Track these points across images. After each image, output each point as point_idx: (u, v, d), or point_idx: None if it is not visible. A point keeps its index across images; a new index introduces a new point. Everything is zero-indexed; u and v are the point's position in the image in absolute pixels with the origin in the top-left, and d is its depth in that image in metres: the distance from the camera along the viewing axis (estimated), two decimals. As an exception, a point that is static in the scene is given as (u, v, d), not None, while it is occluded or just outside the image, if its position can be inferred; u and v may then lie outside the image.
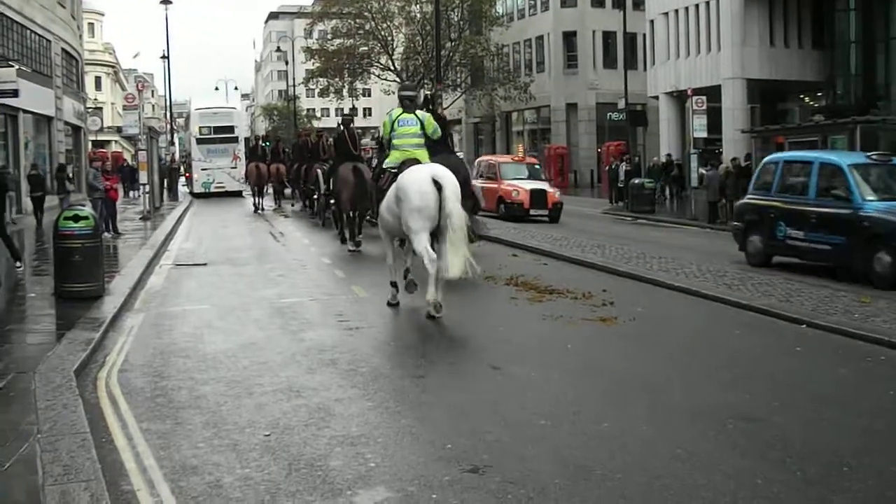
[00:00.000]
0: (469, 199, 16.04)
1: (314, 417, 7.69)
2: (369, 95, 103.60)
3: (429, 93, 17.86)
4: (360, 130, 22.21)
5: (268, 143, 41.66)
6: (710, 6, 41.77)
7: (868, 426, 7.42)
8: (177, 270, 17.45)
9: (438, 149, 15.54)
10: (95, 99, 73.42)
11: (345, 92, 61.52)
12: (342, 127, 21.63)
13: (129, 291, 14.03)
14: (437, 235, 11.63)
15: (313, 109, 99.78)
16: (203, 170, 44.93)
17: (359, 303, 13.58)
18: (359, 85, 64.05)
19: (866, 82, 39.34)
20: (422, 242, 11.58)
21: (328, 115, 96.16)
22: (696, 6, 42.52)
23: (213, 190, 44.36)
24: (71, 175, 25.33)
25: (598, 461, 6.56)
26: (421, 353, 10.10)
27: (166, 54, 61.12)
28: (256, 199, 35.28)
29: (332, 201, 22.96)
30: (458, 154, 22.21)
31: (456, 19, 56.36)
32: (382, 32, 56.41)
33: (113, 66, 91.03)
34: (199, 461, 6.66)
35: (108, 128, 70.92)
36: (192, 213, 34.73)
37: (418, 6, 55.86)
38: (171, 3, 54.33)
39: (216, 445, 7.03)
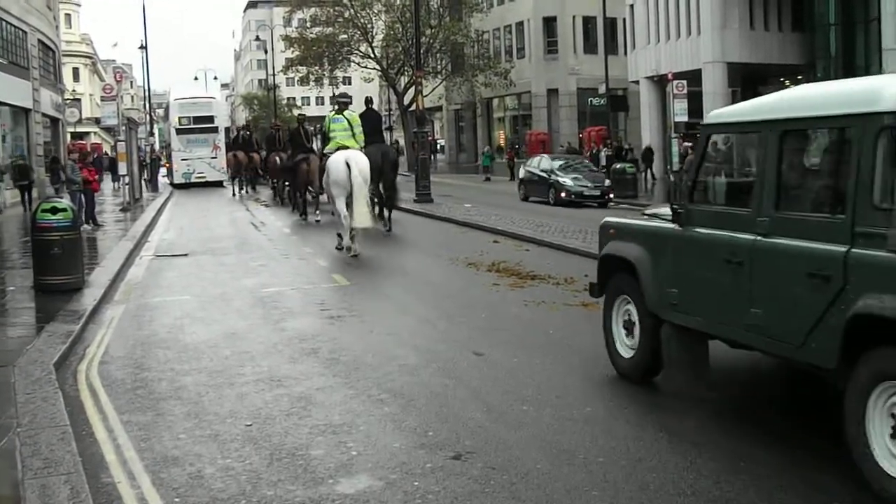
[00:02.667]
0: (392, 190, 21.26)
1: (296, 407, 7.66)
2: (350, 83, 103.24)
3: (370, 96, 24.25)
4: (312, 127, 26.67)
5: (246, 133, 42.30)
6: (690, -5, 41.78)
7: None
8: (157, 261, 17.37)
9: (374, 138, 20.45)
10: (73, 90, 72.96)
11: (325, 80, 61.28)
12: (297, 124, 27.56)
13: (109, 283, 13.94)
14: (348, 200, 16.41)
15: (294, 98, 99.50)
16: (183, 160, 44.74)
17: (340, 292, 13.55)
18: (339, 73, 63.72)
19: (846, 64, 39.43)
20: (339, 205, 16.76)
21: (308, 104, 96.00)
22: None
23: (193, 180, 44.20)
24: (64, 165, 25.20)
25: (581, 445, 6.56)
26: (403, 342, 10.08)
27: (144, 44, 60.77)
28: (235, 187, 38.68)
29: (287, 184, 29.43)
30: (397, 142, 26.75)
31: (436, 6, 56.22)
32: (362, 20, 56.20)
33: (91, 57, 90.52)
34: (180, 452, 6.62)
35: (87, 119, 70.57)
36: (172, 203, 34.60)
37: (397, -7, 55.72)
38: (148, -8, 53.97)
39: (197, 436, 6.99)
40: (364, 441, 6.75)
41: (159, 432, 7.10)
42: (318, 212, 24.28)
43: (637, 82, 47.28)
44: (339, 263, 16.32)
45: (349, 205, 16.40)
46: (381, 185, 20.86)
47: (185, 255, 18.17)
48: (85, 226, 21.39)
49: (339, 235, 17.43)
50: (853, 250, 5.60)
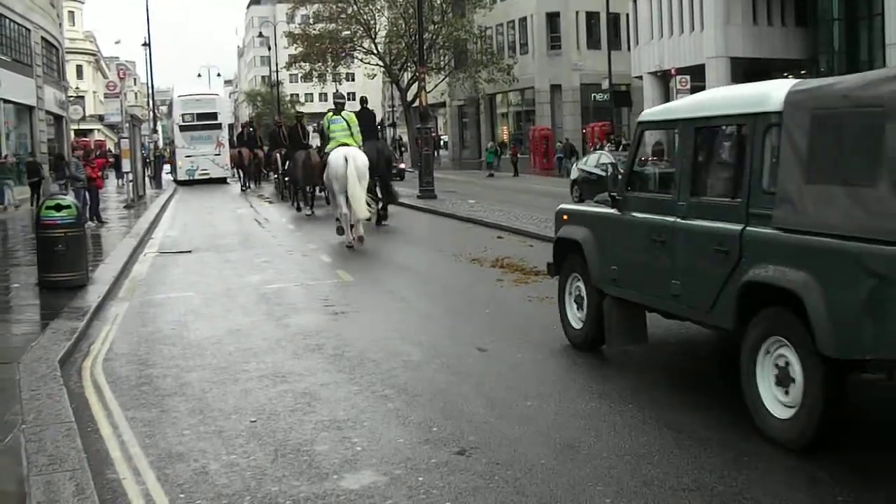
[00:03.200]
0: (388, 186, 22.15)
1: (300, 403, 7.68)
2: (353, 80, 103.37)
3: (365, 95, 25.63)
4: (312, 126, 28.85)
5: (251, 130, 42.76)
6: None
7: None
8: (161, 258, 17.39)
9: (369, 135, 21.04)
10: (77, 87, 73.04)
11: (328, 76, 61.25)
12: (295, 121, 29.62)
13: (114, 280, 13.97)
14: (346, 194, 17.49)
15: (297, 94, 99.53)
16: (187, 157, 44.76)
17: (344, 287, 13.56)
18: (342, 69, 63.70)
19: (850, 59, 39.39)
20: (340, 199, 18.02)
21: (312, 100, 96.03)
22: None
23: (197, 177, 44.22)
24: (68, 162, 25.30)
25: (585, 441, 6.56)
26: (407, 337, 10.09)
27: (148, 42, 60.76)
28: (242, 182, 40.62)
29: (287, 179, 30.25)
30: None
31: (439, 2, 56.15)
32: (365, 16, 56.18)
33: (94, 55, 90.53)
34: (184, 448, 6.64)
35: (91, 116, 70.57)
36: (176, 200, 34.62)
37: (401, -11, 55.62)
38: (151, -11, 53.98)
39: (202, 432, 7.01)
40: (368, 436, 6.76)
41: (164, 428, 7.11)
42: (312, 206, 25.87)
43: (640, 78, 47.28)
44: (342, 259, 16.34)
45: (347, 199, 17.49)
46: (377, 181, 21.35)
47: (189, 251, 18.18)
48: (89, 223, 21.42)
49: (339, 229, 18.57)
50: (747, 228, 6.64)
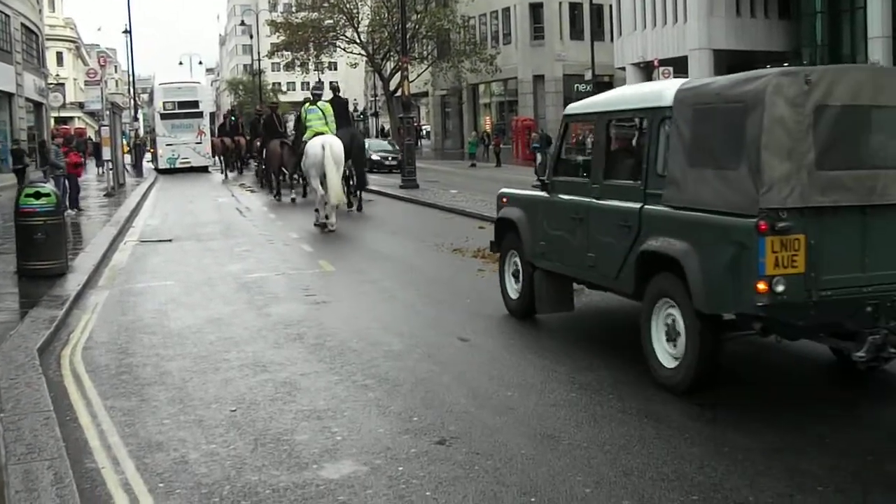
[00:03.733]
0: (361, 171, 23.26)
1: (280, 392, 7.66)
2: (336, 69, 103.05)
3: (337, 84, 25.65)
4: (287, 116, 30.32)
5: (233, 119, 42.61)
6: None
7: None
8: (142, 247, 17.32)
9: (342, 123, 21.84)
10: (57, 75, 72.54)
11: (310, 65, 61.02)
12: (270, 111, 31.17)
13: (94, 268, 13.90)
14: (323, 180, 18.71)
15: (279, 83, 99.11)
16: (168, 145, 44.56)
17: (325, 277, 13.54)
18: (324, 58, 63.43)
19: (832, 52, 39.57)
20: (315, 184, 19.29)
21: (294, 89, 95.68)
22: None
23: (178, 165, 44.03)
24: (48, 149, 25.19)
25: (566, 431, 6.57)
26: (388, 327, 10.08)
27: (129, 29, 60.36)
28: (223, 170, 41.03)
29: (263, 167, 31.71)
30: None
31: (422, -9, 55.99)
32: (347, 5, 55.87)
33: (74, 42, 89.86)
34: (164, 437, 6.61)
35: (71, 104, 70.08)
36: (157, 189, 34.46)
37: (383, -22, 55.43)
38: (132, -24, 53.60)
39: (182, 421, 6.98)
40: (349, 426, 6.76)
41: (143, 418, 7.09)
42: (292, 192, 26.93)
43: (623, 69, 47.31)
44: (324, 249, 16.31)
45: (324, 184, 18.71)
46: (350, 167, 22.05)
47: (170, 240, 18.11)
48: (69, 211, 21.29)
49: (317, 211, 19.50)
50: (645, 206, 7.77)
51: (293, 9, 60.36)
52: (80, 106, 61.74)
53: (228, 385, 7.93)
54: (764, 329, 6.99)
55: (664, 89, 7.93)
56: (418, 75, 55.27)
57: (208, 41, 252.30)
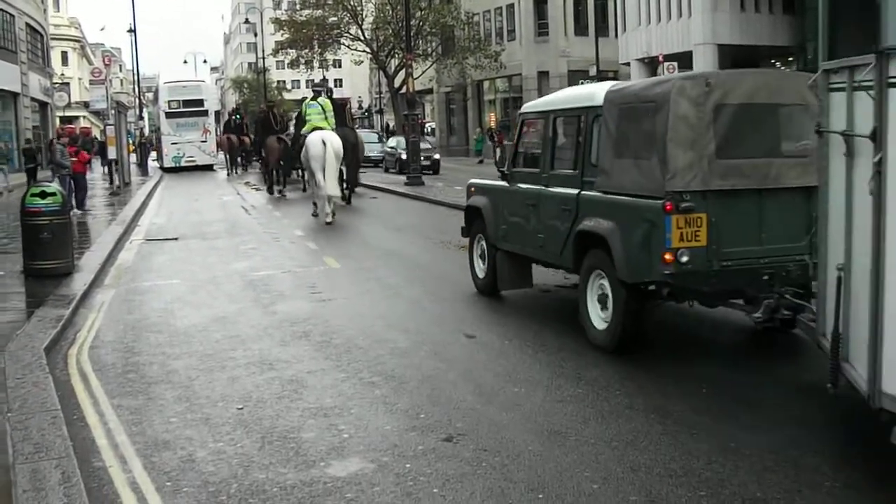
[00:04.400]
0: (354, 169, 24.95)
1: (287, 390, 7.66)
2: (340, 66, 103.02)
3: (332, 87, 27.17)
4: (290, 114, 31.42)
5: (237, 117, 42.77)
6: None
7: None
8: (147, 245, 17.33)
9: (340, 121, 23.22)
10: (62, 74, 72.55)
11: (315, 63, 60.98)
12: (267, 110, 32.95)
13: (100, 267, 13.91)
14: (323, 174, 19.52)
15: (284, 81, 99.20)
16: (173, 144, 44.57)
17: (331, 274, 13.53)
18: (329, 56, 63.38)
19: (836, 46, 39.31)
20: (318, 176, 19.81)
21: (298, 87, 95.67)
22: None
23: (183, 164, 44.06)
24: (53, 148, 25.21)
25: (573, 427, 6.57)
26: (394, 324, 10.08)
27: (133, 28, 60.38)
28: (229, 168, 41.75)
29: (260, 162, 33.90)
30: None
31: (425, -12, 55.90)
32: (352, 2, 55.83)
33: (79, 41, 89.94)
34: (171, 436, 6.62)
35: (76, 103, 70.17)
36: (162, 187, 34.47)
37: (387, -25, 55.34)
38: (136, -25, 53.64)
39: (189, 420, 6.99)
40: (355, 423, 6.76)
41: (150, 416, 7.09)
42: (283, 187, 28.38)
43: (628, 64, 47.17)
44: (329, 246, 16.31)
45: (324, 178, 19.62)
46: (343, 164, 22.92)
47: (176, 238, 18.12)
48: (76, 210, 21.34)
49: (315, 204, 20.89)
50: (581, 192, 8.98)
51: (297, 6, 60.30)
52: (86, 105, 61.77)
53: (235, 383, 7.93)
54: (671, 294, 8.16)
55: (597, 91, 9.14)
56: (423, 72, 55.20)
57: (213, 40, 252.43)
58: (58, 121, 47.33)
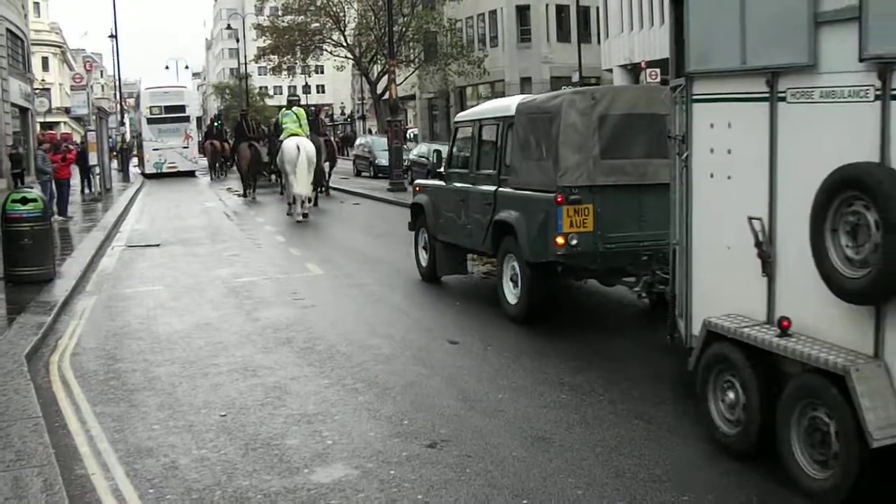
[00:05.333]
0: (320, 174, 25.60)
1: (270, 396, 7.64)
2: (322, 72, 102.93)
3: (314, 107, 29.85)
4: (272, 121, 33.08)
5: (219, 123, 42.80)
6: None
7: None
8: (129, 252, 17.25)
9: (313, 129, 26.12)
10: (43, 80, 72.12)
11: (297, 69, 60.92)
12: (241, 117, 35.06)
13: (81, 274, 13.84)
14: (296, 176, 21.37)
15: (266, 87, 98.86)
16: (154, 150, 44.38)
17: (314, 280, 13.51)
18: (311, 62, 63.34)
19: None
20: (291, 178, 21.88)
21: (281, 93, 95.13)
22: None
23: (165, 170, 43.86)
24: (35, 154, 25.09)
25: (557, 432, 6.58)
26: (377, 331, 10.07)
27: (114, 33, 60.18)
28: (212, 173, 42.43)
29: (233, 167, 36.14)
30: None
31: (408, -6, 55.92)
32: (334, 8, 55.79)
33: (60, 46, 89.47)
34: (154, 443, 6.59)
35: (57, 109, 69.74)
36: (144, 193, 34.34)
37: (369, -19, 55.34)
38: (118, -20, 53.45)
39: (171, 427, 6.96)
40: (339, 430, 6.75)
41: (133, 423, 7.06)
42: (252, 191, 29.80)
43: (611, 70, 47.36)
44: (311, 252, 16.28)
45: (296, 180, 21.42)
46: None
47: (158, 245, 18.05)
48: (57, 216, 21.22)
49: (289, 204, 22.61)
50: (498, 189, 10.52)
51: (279, 12, 60.21)
52: (66, 111, 61.41)
53: (218, 390, 7.91)
54: (567, 271, 9.78)
55: (512, 103, 10.69)
56: (405, 78, 55.21)
57: (195, 45, 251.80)
58: (38, 127, 47.02)
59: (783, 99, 5.80)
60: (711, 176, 6.51)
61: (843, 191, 5.16)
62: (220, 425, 6.96)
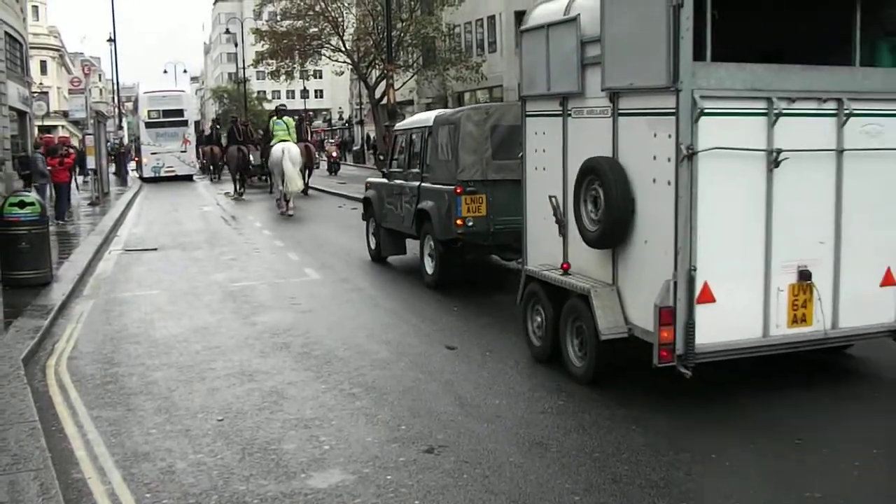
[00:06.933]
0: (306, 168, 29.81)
1: (267, 401, 7.64)
2: (321, 77, 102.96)
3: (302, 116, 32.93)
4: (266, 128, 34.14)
5: (217, 127, 42.91)
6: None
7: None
8: (127, 256, 17.25)
9: (299, 136, 30.13)
10: (41, 83, 72.12)
11: (295, 73, 60.93)
12: (233, 123, 38.28)
13: (78, 278, 13.84)
14: (282, 177, 24.51)
15: (264, 92, 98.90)
16: (153, 154, 44.35)
17: (311, 285, 13.51)
18: (310, 66, 63.32)
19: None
20: (277, 180, 25.89)
21: (279, 97, 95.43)
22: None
23: (163, 174, 43.82)
24: (32, 157, 25.01)
25: (554, 438, 6.58)
26: (374, 336, 10.07)
27: (113, 37, 60.17)
28: (211, 176, 44.31)
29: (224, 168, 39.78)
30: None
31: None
32: (332, 13, 55.81)
33: (58, 50, 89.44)
34: (150, 447, 6.58)
35: (55, 112, 69.69)
36: (141, 197, 34.30)
37: (368, -14, 55.35)
38: (116, -16, 53.45)
39: (168, 431, 6.95)
40: (336, 435, 6.74)
41: (130, 427, 7.05)
42: (236, 191, 32.70)
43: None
44: (309, 257, 16.28)
45: (283, 179, 24.52)
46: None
47: (155, 249, 18.05)
48: (57, 220, 21.20)
49: (278, 202, 25.98)
50: (421, 184, 13.05)
51: (278, 17, 60.21)
52: (65, 115, 61.41)
53: (215, 394, 7.90)
54: (463, 247, 12.28)
55: (431, 116, 13.45)
56: (403, 83, 55.20)
57: (193, 49, 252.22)
58: (36, 130, 46.99)
59: (569, 115, 8.34)
60: (535, 169, 9.04)
61: (588, 174, 7.75)
62: (216, 430, 6.95)
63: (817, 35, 7.99)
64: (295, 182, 24.65)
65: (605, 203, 7.39)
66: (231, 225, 23.11)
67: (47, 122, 60.68)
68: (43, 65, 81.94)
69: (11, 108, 40.58)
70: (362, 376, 8.36)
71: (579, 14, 8.02)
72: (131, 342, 10.00)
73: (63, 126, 73.80)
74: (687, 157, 6.71)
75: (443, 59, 57.38)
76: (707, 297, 6.94)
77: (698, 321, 6.84)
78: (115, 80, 71.41)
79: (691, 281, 6.81)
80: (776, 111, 7.10)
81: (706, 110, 6.74)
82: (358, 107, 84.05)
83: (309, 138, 37.88)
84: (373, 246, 15.61)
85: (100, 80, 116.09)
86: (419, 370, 8.56)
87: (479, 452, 6.31)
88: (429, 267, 12.90)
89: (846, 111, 7.35)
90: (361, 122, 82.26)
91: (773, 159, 7.09)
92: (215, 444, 6.64)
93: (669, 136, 6.84)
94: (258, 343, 9.82)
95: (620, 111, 7.50)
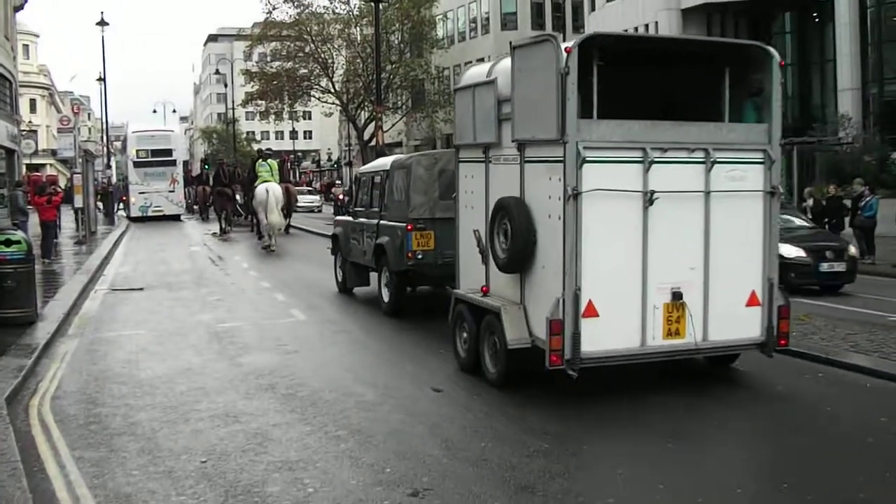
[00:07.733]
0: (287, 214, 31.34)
1: (252, 443, 7.59)
2: (310, 118, 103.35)
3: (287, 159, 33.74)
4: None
5: (207, 167, 43.00)
6: (650, 27, 42.42)
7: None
8: (112, 295, 17.18)
9: (282, 177, 32.05)
10: (30, 122, 72.19)
11: (284, 114, 61.16)
12: (219, 166, 40.19)
13: (64, 317, 13.76)
14: (267, 213, 26.43)
15: (253, 132, 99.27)
16: (140, 193, 44.31)
17: (297, 326, 13.47)
18: (299, 107, 63.61)
19: (802, 104, 40.15)
20: (261, 217, 27.63)
21: (268, 138, 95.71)
22: (636, 28, 43.13)
23: (150, 213, 43.75)
24: (14, 194, 24.97)
25: (540, 482, 6.55)
26: (360, 377, 10.03)
27: (103, 76, 60.40)
28: (201, 214, 45.42)
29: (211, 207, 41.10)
30: (290, 182, 41.90)
31: (396, 42, 56.37)
32: (322, 55, 56.20)
33: (48, 89, 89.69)
34: (133, 489, 6.53)
35: (43, 151, 69.74)
36: (128, 236, 34.24)
37: (358, 29, 55.70)
38: (107, 24, 53.65)
39: (151, 473, 6.90)
40: (321, 478, 6.70)
41: (112, 468, 7.00)
42: (229, 229, 34.10)
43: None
44: (296, 298, 16.26)
45: (267, 216, 26.51)
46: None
47: (141, 288, 17.98)
48: (44, 259, 21.12)
49: (261, 237, 28.55)
50: (380, 221, 14.45)
51: (268, 58, 60.55)
52: (53, 153, 61.44)
53: (199, 436, 7.85)
54: (410, 278, 14.04)
55: (389, 161, 15.02)
56: (392, 125, 55.52)
57: (183, 90, 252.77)
58: (24, 168, 46.96)
59: (490, 161, 9.85)
60: (465, 207, 10.55)
61: (499, 211, 9.25)
62: (200, 472, 6.90)
63: (701, 92, 9.59)
64: (277, 219, 26.99)
65: (512, 235, 8.94)
66: (217, 265, 23.06)
67: (35, 161, 60.68)
68: (32, 103, 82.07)
69: (0, 147, 40.60)
70: (347, 418, 8.32)
71: (496, 77, 9.56)
72: (116, 382, 9.94)
73: (51, 164, 73.85)
74: (572, 196, 8.18)
75: (431, 102, 57.72)
76: (591, 312, 8.30)
77: (584, 332, 8.23)
78: (104, 120, 71.58)
79: (577, 298, 8.21)
80: (650, 159, 8.47)
81: (588, 159, 8.23)
82: (347, 148, 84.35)
83: (290, 178, 41.85)
84: (339, 278, 17.03)
85: (89, 118, 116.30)
86: (405, 412, 8.53)
87: (464, 496, 6.28)
88: (385, 296, 14.24)
89: (712, 160, 8.72)
90: (350, 164, 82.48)
91: (648, 199, 8.47)
92: (198, 485, 6.58)
93: (559, 179, 8.28)
94: (243, 384, 9.77)
95: (526, 159, 9.01)
